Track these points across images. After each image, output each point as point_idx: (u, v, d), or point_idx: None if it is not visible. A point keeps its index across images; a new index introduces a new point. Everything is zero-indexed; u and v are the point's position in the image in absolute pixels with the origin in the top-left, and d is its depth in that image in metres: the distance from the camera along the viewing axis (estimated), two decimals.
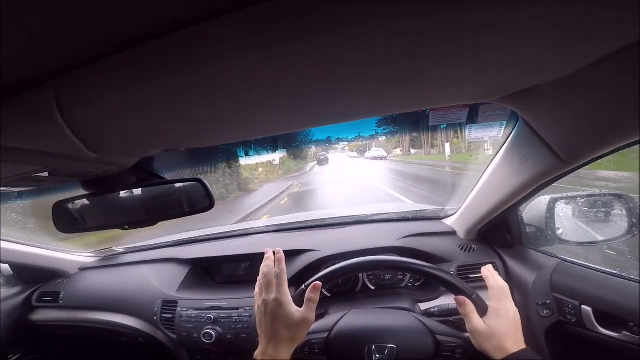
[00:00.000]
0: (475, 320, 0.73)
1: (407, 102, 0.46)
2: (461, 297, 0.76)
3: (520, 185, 0.81)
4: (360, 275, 1.23)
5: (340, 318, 0.88)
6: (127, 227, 0.68)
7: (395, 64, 0.33)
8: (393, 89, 0.39)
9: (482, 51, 0.32)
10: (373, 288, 1.22)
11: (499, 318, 0.72)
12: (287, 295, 0.74)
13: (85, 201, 0.72)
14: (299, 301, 0.74)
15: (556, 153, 0.63)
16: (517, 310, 0.75)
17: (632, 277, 0.81)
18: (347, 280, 1.23)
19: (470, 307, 0.74)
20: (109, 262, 1.54)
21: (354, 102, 0.42)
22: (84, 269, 1.53)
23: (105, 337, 1.35)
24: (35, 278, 1.50)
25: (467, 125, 0.77)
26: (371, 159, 18.08)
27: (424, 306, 1.05)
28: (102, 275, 1.48)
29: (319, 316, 1.09)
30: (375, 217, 1.50)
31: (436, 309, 0.94)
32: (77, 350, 1.59)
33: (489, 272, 0.81)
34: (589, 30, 0.30)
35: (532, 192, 0.83)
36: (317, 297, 0.73)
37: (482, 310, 0.75)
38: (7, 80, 0.32)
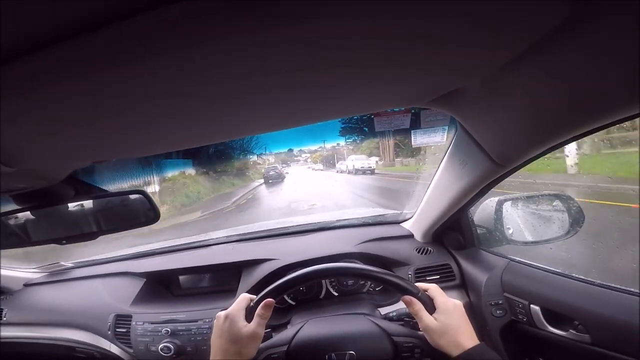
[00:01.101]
0: (425, 317, 0.74)
1: (342, 108, 0.46)
2: (407, 297, 0.76)
3: (462, 189, 0.84)
4: (323, 282, 1.23)
5: (299, 330, 0.88)
6: (64, 242, 0.65)
7: (319, 69, 0.33)
8: (324, 95, 0.40)
9: (405, 54, 0.33)
10: (336, 294, 1.23)
11: (448, 313, 0.74)
12: (239, 310, 0.74)
13: (23, 215, 0.68)
14: (250, 316, 0.74)
15: (491, 157, 0.66)
16: (460, 302, 0.77)
17: (576, 275, 0.84)
18: (310, 288, 1.23)
19: (419, 306, 0.75)
20: (56, 277, 1.45)
21: (287, 109, 0.42)
22: (28, 284, 1.44)
23: (58, 353, 1.28)
24: None
25: (412, 131, 0.79)
26: (349, 172, 12.39)
27: (384, 310, 1.07)
28: (50, 290, 1.40)
29: (282, 325, 1.09)
30: (337, 224, 1.51)
31: (394, 313, 0.96)
32: None
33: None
34: (503, 27, 0.31)
35: (476, 195, 0.86)
36: (268, 314, 0.74)
37: (430, 307, 0.76)
38: None
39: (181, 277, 1.35)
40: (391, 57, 0.33)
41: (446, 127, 0.77)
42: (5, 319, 1.32)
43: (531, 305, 0.86)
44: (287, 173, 16.27)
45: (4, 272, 1.42)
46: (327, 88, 0.38)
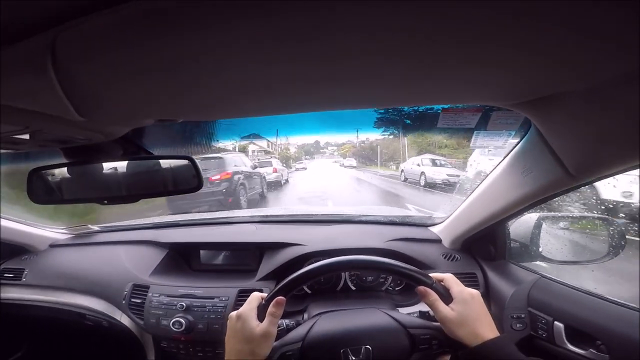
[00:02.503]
0: (441, 308, 0.72)
1: (425, 95, 0.44)
2: (422, 288, 0.74)
3: (520, 197, 0.81)
4: (343, 274, 1.21)
5: (312, 325, 0.86)
6: (106, 202, 0.65)
7: (411, 57, 0.31)
8: (414, 78, 0.37)
9: (510, 51, 0.31)
10: (354, 289, 1.21)
11: (466, 303, 0.71)
12: (251, 309, 0.73)
13: (64, 171, 0.68)
14: (262, 315, 0.73)
15: (565, 166, 0.63)
16: (478, 292, 0.75)
17: (607, 296, 0.82)
18: (328, 279, 1.22)
19: (434, 296, 0.73)
20: (81, 240, 1.47)
21: (377, 90, 0.40)
22: (54, 245, 1.46)
23: (66, 319, 1.29)
24: (2, 253, 1.41)
25: (475, 132, 0.76)
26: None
27: (404, 311, 1.05)
28: (73, 253, 1.41)
29: (298, 313, 1.08)
30: (363, 218, 1.49)
31: (416, 314, 0.94)
32: (34, 331, 1.52)
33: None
34: (621, 41, 0.29)
35: (530, 205, 0.83)
36: (280, 312, 0.73)
37: (446, 297, 0.74)
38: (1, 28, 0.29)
39: (202, 252, 1.35)
40: (497, 44, 0.30)
41: (513, 132, 0.74)
42: (24, 279, 1.33)
43: (555, 322, 0.85)
44: (302, 169, 14.07)
45: (32, 230, 1.44)
46: (418, 71, 0.35)
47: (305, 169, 14.80)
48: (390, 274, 0.77)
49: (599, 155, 0.56)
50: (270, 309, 0.72)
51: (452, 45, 0.30)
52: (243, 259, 1.32)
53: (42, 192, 0.69)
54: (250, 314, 0.72)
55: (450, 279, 0.76)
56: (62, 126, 0.44)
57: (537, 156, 0.69)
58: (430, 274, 0.76)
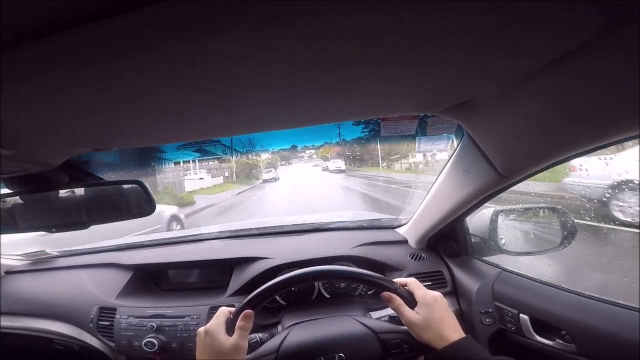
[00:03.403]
0: (407, 312, 0.73)
1: (352, 110, 0.46)
2: (386, 293, 0.75)
3: (463, 198, 0.84)
4: (316, 283, 1.22)
5: (285, 337, 0.86)
6: (54, 230, 0.63)
7: (337, 67, 0.32)
8: (336, 96, 0.39)
9: (424, 57, 0.32)
10: (328, 296, 1.22)
11: (429, 306, 0.73)
12: (219, 324, 0.73)
13: (13, 200, 0.65)
14: (231, 329, 0.72)
15: (495, 168, 0.66)
16: (440, 294, 0.76)
17: (565, 287, 0.85)
18: (301, 289, 1.22)
19: (399, 301, 0.74)
20: (39, 265, 1.41)
21: (297, 108, 0.41)
22: (9, 272, 1.39)
23: (36, 345, 1.23)
24: None
25: (417, 138, 0.79)
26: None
27: (375, 314, 1.06)
28: (31, 279, 1.36)
29: (273, 325, 1.07)
30: (332, 225, 1.51)
31: (387, 317, 0.95)
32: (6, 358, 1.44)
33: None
34: (534, 35, 0.31)
35: (476, 205, 0.86)
36: (249, 324, 0.72)
37: (411, 302, 0.75)
38: None
39: (170, 272, 1.32)
40: (409, 60, 0.32)
41: (452, 135, 0.77)
42: None
43: (520, 315, 0.87)
44: (271, 180, 11.98)
45: None
46: (338, 89, 0.37)
47: (276, 179, 12.67)
48: (356, 282, 0.78)
49: (520, 153, 0.59)
50: (239, 322, 0.71)
51: (367, 65, 0.32)
52: (213, 275, 1.30)
53: None
54: (218, 329, 0.72)
55: (413, 283, 0.77)
56: None
57: (472, 158, 0.71)
58: (394, 279, 0.77)
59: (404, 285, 0.77)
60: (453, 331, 0.70)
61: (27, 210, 0.66)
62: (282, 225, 1.55)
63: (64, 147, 0.46)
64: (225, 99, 0.35)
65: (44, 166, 0.51)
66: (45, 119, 0.36)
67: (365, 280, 0.77)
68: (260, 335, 0.89)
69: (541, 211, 1.14)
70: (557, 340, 0.79)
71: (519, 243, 1.11)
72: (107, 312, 1.13)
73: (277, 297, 1.19)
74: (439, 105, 0.48)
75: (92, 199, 0.65)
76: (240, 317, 0.72)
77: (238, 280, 1.19)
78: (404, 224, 1.33)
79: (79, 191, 0.64)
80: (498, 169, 0.65)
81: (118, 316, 1.10)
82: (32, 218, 0.66)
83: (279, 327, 1.05)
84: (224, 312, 0.76)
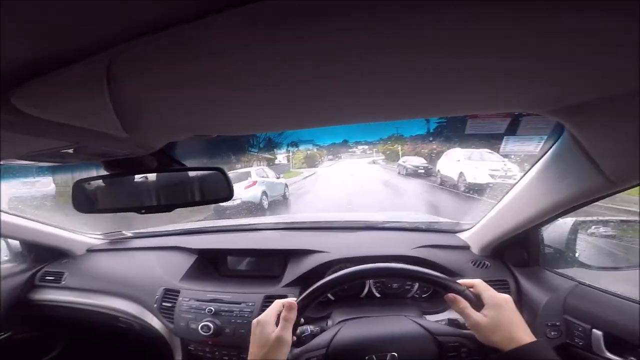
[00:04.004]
0: (473, 314, 0.71)
1: (448, 105, 0.43)
2: (451, 295, 0.73)
3: (554, 203, 0.78)
4: (368, 281, 1.21)
5: (337, 332, 0.86)
6: (144, 211, 0.68)
7: (444, 67, 0.31)
8: (438, 90, 0.37)
9: (544, 59, 0.30)
10: (378, 296, 1.20)
11: (499, 308, 0.70)
12: (270, 316, 0.74)
13: (103, 182, 0.71)
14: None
15: (603, 172, 0.60)
16: (509, 296, 0.73)
17: None
18: (352, 286, 1.21)
19: (464, 303, 0.72)
20: (116, 245, 1.53)
21: (407, 100, 0.40)
22: (91, 250, 1.53)
23: (100, 321, 1.35)
24: (43, 256, 1.49)
25: (505, 138, 0.74)
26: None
27: (431, 318, 1.03)
28: (108, 258, 1.48)
29: (322, 319, 1.08)
30: (387, 225, 1.48)
31: (444, 322, 0.92)
32: (69, 332, 1.59)
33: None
34: None
35: (565, 211, 0.81)
36: (293, 317, 0.73)
37: (477, 304, 0.73)
38: (58, 51, 0.31)
39: (229, 258, 1.38)
40: (535, 52, 0.30)
41: (544, 137, 0.71)
42: (63, 282, 1.40)
43: (593, 330, 0.83)
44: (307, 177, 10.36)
45: (71, 235, 1.52)
46: (440, 81, 0.35)
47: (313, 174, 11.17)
48: (418, 282, 0.76)
49: None
50: (283, 313, 0.73)
51: (483, 54, 0.30)
52: (268, 265, 1.34)
53: (84, 202, 0.73)
54: (269, 320, 0.73)
55: (480, 285, 0.75)
56: (107, 142, 0.47)
57: (571, 162, 0.67)
58: (459, 281, 0.75)
59: (470, 287, 0.75)
60: (524, 334, 0.68)
61: (119, 192, 0.72)
62: (336, 221, 1.55)
63: (174, 133, 0.49)
64: (333, 88, 0.35)
65: (146, 150, 0.54)
66: (165, 106, 0.38)
67: (430, 280, 0.76)
68: (312, 327, 0.90)
69: (629, 225, 1.05)
70: (631, 358, 0.76)
71: (600, 257, 1.02)
72: (171, 293, 1.20)
73: None
74: (551, 104, 0.44)
75: (177, 183, 0.69)
76: (285, 307, 0.73)
77: (293, 271, 1.21)
78: (466, 229, 1.27)
79: (165, 176, 0.68)
80: (606, 174, 0.60)
81: (180, 298, 1.16)
82: (123, 200, 0.72)
83: (329, 322, 1.05)
84: (278, 304, 0.77)
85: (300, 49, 0.28)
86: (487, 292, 0.74)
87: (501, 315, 0.69)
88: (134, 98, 0.35)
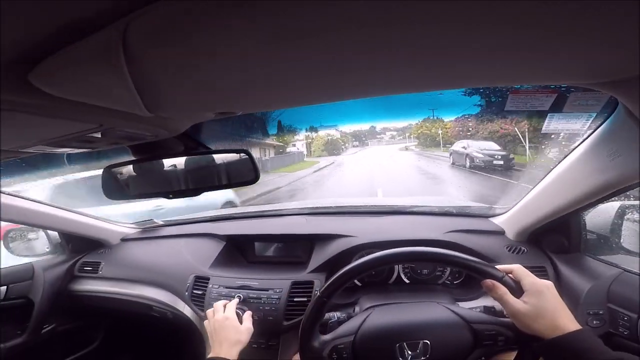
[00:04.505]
0: (512, 302, 0.68)
1: (501, 74, 0.40)
2: (489, 281, 0.70)
3: (604, 184, 0.73)
4: (396, 266, 1.18)
5: (365, 318, 0.84)
6: (171, 196, 0.68)
7: (491, 30, 0.28)
8: (489, 58, 0.34)
9: (605, 22, 0.27)
10: (407, 282, 1.17)
11: (541, 295, 0.66)
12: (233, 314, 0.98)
13: (131, 168, 0.72)
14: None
15: None
16: (551, 283, 0.69)
17: None
18: (380, 271, 1.19)
19: (502, 290, 0.69)
20: (148, 234, 1.57)
21: (444, 68, 0.37)
22: (125, 239, 1.57)
23: (137, 311, 1.38)
24: (81, 247, 1.54)
25: (549, 115, 0.68)
26: None
27: (465, 305, 0.99)
28: (141, 247, 1.51)
29: (349, 305, 1.07)
30: (415, 209, 1.44)
31: (481, 308, 0.88)
32: (106, 322, 1.65)
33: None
34: None
35: (616, 192, 0.75)
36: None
37: (516, 290, 0.69)
38: (70, 22, 0.30)
39: (256, 244, 1.39)
40: (595, 25, 0.27)
41: (595, 114, 0.65)
42: (101, 272, 1.44)
43: None
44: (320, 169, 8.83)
45: (106, 225, 1.56)
46: (491, 48, 0.32)
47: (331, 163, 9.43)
48: (453, 267, 0.73)
49: None
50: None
51: (537, 18, 0.27)
52: (294, 250, 1.33)
53: (114, 189, 0.74)
54: (233, 316, 0.98)
55: (519, 271, 0.71)
56: (131, 123, 0.46)
57: (626, 138, 0.62)
58: (497, 267, 0.71)
59: (509, 273, 0.71)
60: (569, 321, 0.64)
61: (147, 177, 0.73)
62: (362, 205, 1.52)
63: (197, 111, 0.48)
64: (359, 59, 0.33)
65: (172, 132, 0.54)
66: (187, 82, 0.37)
67: (467, 266, 0.72)
68: (339, 314, 0.89)
69: None
70: None
71: None
72: (201, 281, 1.21)
73: None
74: (608, 75, 0.40)
75: (203, 167, 0.69)
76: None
77: (319, 256, 1.20)
78: (500, 214, 1.22)
79: (192, 159, 0.68)
80: None
81: (210, 285, 1.17)
82: (151, 185, 0.73)
83: (357, 308, 1.03)
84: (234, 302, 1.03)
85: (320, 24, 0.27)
86: (528, 278, 0.70)
87: (543, 302, 0.66)
88: (154, 72, 0.34)
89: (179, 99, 0.41)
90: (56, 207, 1.37)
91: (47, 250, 1.53)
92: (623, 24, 0.27)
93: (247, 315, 1.01)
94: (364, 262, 0.75)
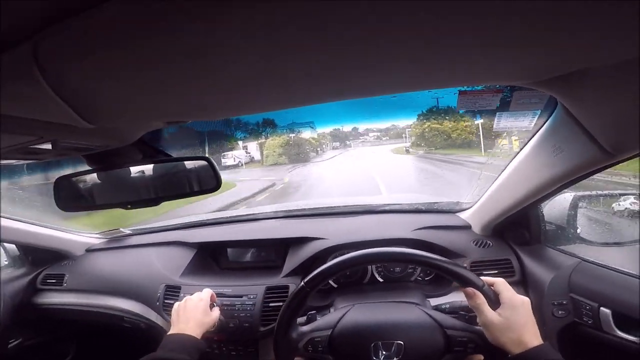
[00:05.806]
0: (487, 312, 0.70)
1: (440, 78, 0.41)
2: (470, 289, 0.72)
3: (551, 178, 0.77)
4: (369, 266, 1.19)
5: (344, 314, 0.85)
6: (129, 206, 0.66)
7: (428, 38, 0.29)
8: (428, 62, 0.35)
9: (533, 27, 0.28)
10: (381, 280, 1.19)
11: (515, 309, 0.70)
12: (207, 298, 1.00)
13: (88, 178, 0.69)
14: None
15: (600, 144, 0.59)
16: (528, 299, 0.73)
17: None
18: (354, 271, 1.20)
19: (481, 299, 0.72)
20: (115, 243, 1.51)
21: (378, 76, 0.37)
22: (90, 250, 1.50)
23: (108, 322, 1.33)
24: (42, 259, 1.47)
25: (497, 114, 0.71)
26: None
27: (434, 302, 1.02)
28: (108, 257, 1.46)
29: (325, 307, 1.07)
30: (387, 207, 1.46)
31: (447, 305, 0.91)
32: (79, 335, 1.58)
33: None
34: None
35: (563, 186, 0.79)
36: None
37: (494, 302, 0.72)
38: None
39: (229, 250, 1.36)
40: (525, 29, 0.28)
41: (538, 112, 0.69)
42: (65, 284, 1.37)
43: (601, 308, 0.82)
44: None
45: (69, 236, 1.49)
46: (444, 55, 0.33)
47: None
48: (441, 273, 0.75)
49: (637, 130, 0.51)
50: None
51: (470, 24, 0.27)
52: (268, 255, 1.32)
53: (69, 199, 0.71)
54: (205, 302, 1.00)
55: (500, 284, 0.75)
56: (75, 135, 0.45)
57: (567, 135, 0.65)
58: (481, 277, 0.74)
59: (491, 285, 0.74)
60: (533, 338, 0.67)
61: (104, 188, 0.70)
62: (335, 207, 1.53)
63: (142, 121, 0.46)
64: (309, 63, 0.33)
65: (122, 141, 0.53)
66: (121, 92, 0.36)
67: (450, 272, 0.74)
68: (315, 307, 0.89)
69: (630, 198, 1.03)
70: None
71: (604, 233, 1.00)
72: (172, 290, 1.18)
73: None
74: (540, 74, 0.42)
75: (163, 175, 0.67)
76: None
77: (293, 260, 1.20)
78: (467, 209, 1.26)
79: (150, 170, 0.66)
80: (603, 146, 0.58)
81: (182, 294, 1.14)
82: (108, 195, 0.70)
83: (332, 310, 1.04)
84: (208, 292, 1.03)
85: (269, 19, 0.26)
86: (507, 292, 0.72)
87: (515, 316, 0.69)
88: (78, 84, 0.33)
89: (117, 110, 0.40)
90: (12, 219, 1.30)
91: (6, 263, 1.47)
92: (549, 26, 0.28)
93: (217, 308, 1.02)
94: (359, 255, 0.77)
